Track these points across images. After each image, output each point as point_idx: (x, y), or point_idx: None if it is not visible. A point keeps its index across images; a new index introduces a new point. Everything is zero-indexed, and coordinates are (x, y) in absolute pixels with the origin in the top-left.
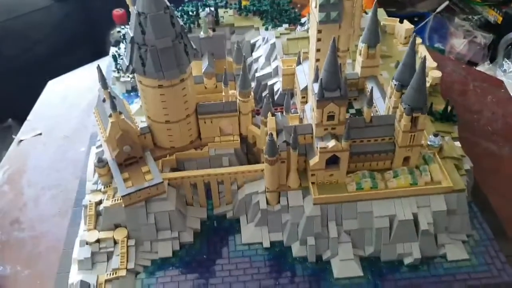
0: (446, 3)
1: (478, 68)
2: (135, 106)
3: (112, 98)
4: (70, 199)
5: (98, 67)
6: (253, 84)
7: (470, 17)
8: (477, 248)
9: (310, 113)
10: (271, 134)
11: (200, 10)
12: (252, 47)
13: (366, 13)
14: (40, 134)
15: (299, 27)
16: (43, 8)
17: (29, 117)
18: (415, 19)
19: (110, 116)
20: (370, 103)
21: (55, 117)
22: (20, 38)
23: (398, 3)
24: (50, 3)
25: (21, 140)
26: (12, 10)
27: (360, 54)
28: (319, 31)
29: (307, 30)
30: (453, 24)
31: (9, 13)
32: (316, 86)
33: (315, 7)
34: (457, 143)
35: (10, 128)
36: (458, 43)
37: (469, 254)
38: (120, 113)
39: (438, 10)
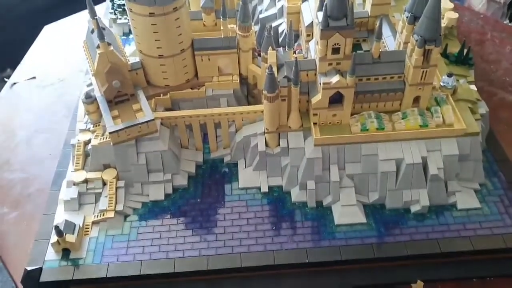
0: None
1: None
2: (132, 47)
3: (101, 28)
4: (63, 142)
5: None
6: (257, 28)
7: None
8: (490, 197)
9: (314, 50)
10: (271, 67)
11: None
12: None
13: None
14: (34, 77)
15: None
16: None
17: (22, 61)
18: None
19: (98, 47)
20: (379, 36)
21: (51, 62)
22: None
23: None
24: None
25: (14, 83)
26: None
27: None
28: None
29: None
30: None
31: None
32: (320, 15)
33: None
34: (473, 87)
35: (9, 77)
36: (477, 1)
37: (481, 203)
38: (109, 44)
39: None
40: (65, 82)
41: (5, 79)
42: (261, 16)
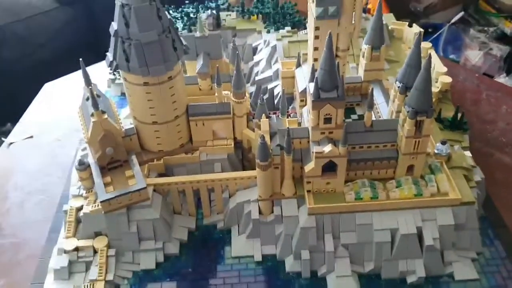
0: (461, 14)
1: None
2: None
3: (95, 96)
4: (56, 205)
5: (81, 62)
6: (253, 88)
7: (485, 28)
8: (488, 268)
9: (307, 117)
10: (263, 137)
11: (202, 12)
12: (254, 50)
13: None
14: (31, 137)
15: (302, 30)
16: (47, 11)
17: (21, 119)
18: (429, 30)
19: (92, 115)
20: (371, 105)
21: (49, 120)
22: (23, 41)
23: (411, 14)
24: (55, 7)
25: (11, 143)
26: (15, 13)
27: (363, 57)
28: (316, 28)
29: None
30: (468, 35)
31: (12, 16)
32: (312, 86)
33: (313, 1)
34: (467, 153)
35: (9, 132)
36: (473, 55)
37: (479, 273)
38: (103, 112)
39: (452, 21)
40: (61, 142)
41: (3, 139)
42: (257, 78)
